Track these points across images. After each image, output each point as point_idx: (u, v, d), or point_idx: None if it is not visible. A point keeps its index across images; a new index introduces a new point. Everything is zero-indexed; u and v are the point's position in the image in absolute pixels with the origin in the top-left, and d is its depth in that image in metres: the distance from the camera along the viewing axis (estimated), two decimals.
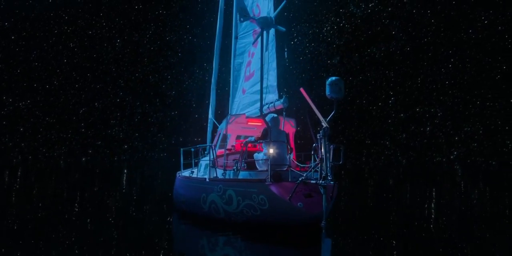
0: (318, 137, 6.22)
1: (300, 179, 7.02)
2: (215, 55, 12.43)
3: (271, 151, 7.81)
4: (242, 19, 9.72)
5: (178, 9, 52.07)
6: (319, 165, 6.52)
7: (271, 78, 10.11)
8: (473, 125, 46.63)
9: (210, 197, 8.32)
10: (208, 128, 11.90)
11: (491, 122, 46.23)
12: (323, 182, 6.18)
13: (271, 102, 9.67)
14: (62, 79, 51.11)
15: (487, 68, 46.87)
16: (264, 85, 9.65)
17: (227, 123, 9.92)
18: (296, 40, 47.86)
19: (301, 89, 6.84)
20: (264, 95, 9.55)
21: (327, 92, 6.64)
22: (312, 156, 7.50)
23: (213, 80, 12.41)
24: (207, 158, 9.76)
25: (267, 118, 8.74)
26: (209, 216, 8.42)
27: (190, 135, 48.56)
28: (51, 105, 50.75)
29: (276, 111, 9.60)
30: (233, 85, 11.55)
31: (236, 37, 11.64)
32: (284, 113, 9.54)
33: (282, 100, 9.41)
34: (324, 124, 6.24)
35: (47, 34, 51.90)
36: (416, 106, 47.78)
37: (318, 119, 6.61)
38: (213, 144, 9.93)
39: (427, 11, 48.60)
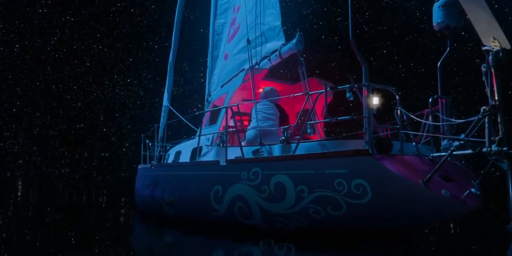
0: (482, 69, 3.35)
1: (454, 144, 3.74)
2: (175, 26, 10.36)
3: (375, 101, 4.20)
4: None
5: (88, 17, 49.24)
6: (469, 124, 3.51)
7: (270, 19, 6.88)
8: None
9: (232, 191, 5.08)
10: (162, 117, 9.62)
11: None
12: (506, 149, 3.19)
13: (275, 50, 6.39)
14: None
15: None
16: (258, 33, 6.74)
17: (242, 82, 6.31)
18: None
19: None
20: (259, 48, 6.49)
21: (438, 18, 4.10)
22: (428, 115, 4.34)
23: (170, 58, 9.98)
24: (196, 139, 6.46)
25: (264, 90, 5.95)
26: (227, 222, 5.26)
27: (97, 150, 45.97)
28: None
29: (285, 64, 6.41)
30: (212, 54, 9.10)
31: None
32: (301, 59, 5.72)
33: (294, 41, 5.96)
34: (498, 44, 3.21)
35: None
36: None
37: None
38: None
39: None
